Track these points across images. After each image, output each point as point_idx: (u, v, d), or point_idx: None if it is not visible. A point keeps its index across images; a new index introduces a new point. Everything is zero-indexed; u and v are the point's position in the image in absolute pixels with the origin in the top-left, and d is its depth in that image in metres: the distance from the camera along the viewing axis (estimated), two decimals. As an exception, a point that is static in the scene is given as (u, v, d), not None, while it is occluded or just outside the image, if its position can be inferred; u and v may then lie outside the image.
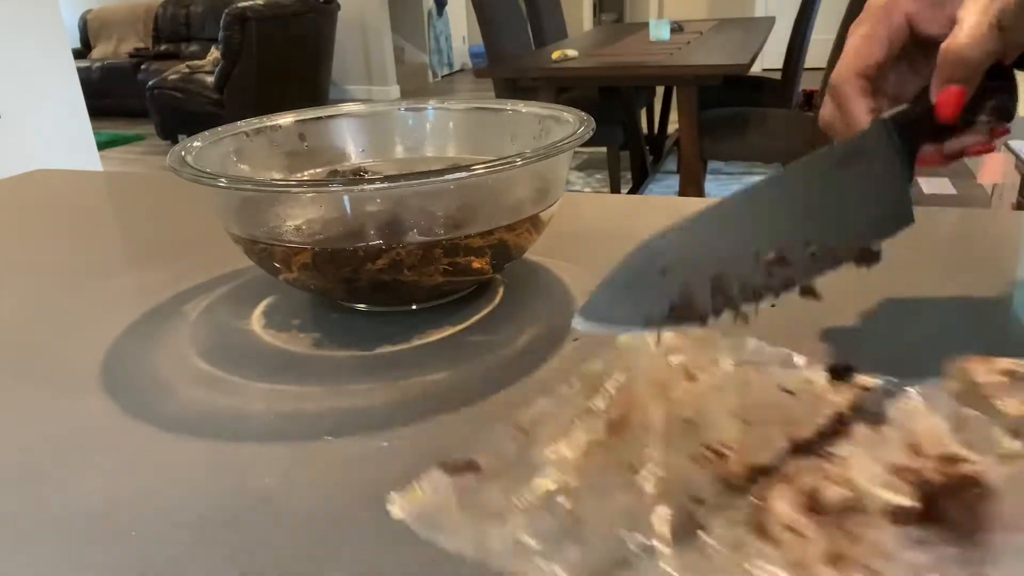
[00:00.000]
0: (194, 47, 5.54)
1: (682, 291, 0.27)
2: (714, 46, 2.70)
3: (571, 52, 2.53)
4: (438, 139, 0.54)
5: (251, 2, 4.17)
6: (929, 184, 3.14)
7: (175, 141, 4.45)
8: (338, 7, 4.63)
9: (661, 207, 0.62)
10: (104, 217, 0.71)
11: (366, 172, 0.52)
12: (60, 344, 0.43)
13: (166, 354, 0.41)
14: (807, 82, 3.39)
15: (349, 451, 0.31)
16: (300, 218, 0.41)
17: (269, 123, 0.50)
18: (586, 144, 0.40)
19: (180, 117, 4.45)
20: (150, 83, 4.55)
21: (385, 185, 0.36)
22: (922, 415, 0.29)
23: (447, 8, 6.75)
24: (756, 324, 0.28)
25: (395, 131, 0.54)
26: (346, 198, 0.39)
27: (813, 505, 0.25)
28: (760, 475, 0.27)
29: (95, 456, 0.32)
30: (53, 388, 0.38)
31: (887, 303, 0.41)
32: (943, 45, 0.30)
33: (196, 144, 0.44)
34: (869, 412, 0.30)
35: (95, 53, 5.92)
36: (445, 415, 0.33)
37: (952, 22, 0.30)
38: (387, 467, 0.30)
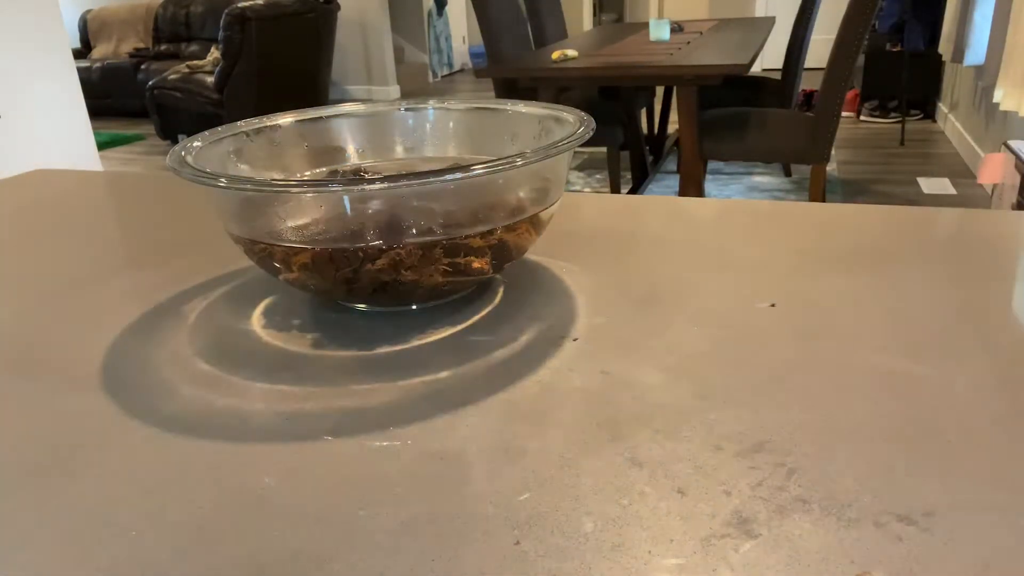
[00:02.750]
0: (194, 47, 5.54)
1: None
2: (714, 46, 2.70)
3: (571, 52, 2.53)
4: (438, 139, 0.54)
5: (251, 2, 4.17)
6: (929, 184, 3.13)
7: (175, 141, 4.46)
8: (338, 7, 4.64)
9: (661, 207, 0.62)
10: (104, 217, 0.71)
11: (366, 172, 0.52)
12: (60, 344, 0.43)
13: (166, 354, 0.41)
14: (807, 82, 3.39)
15: (349, 451, 0.31)
16: (300, 218, 0.41)
17: (269, 123, 0.50)
18: (586, 144, 0.40)
19: (180, 117, 4.46)
20: (150, 83, 4.55)
21: (385, 185, 0.36)
22: None
23: (447, 8, 6.76)
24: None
25: (395, 131, 0.54)
26: (346, 198, 0.39)
27: None
28: None
29: (95, 456, 0.32)
30: (53, 388, 0.38)
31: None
32: None
33: (196, 144, 0.44)
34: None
35: (95, 53, 5.92)
36: (445, 415, 0.33)
37: None
38: (387, 467, 0.30)
